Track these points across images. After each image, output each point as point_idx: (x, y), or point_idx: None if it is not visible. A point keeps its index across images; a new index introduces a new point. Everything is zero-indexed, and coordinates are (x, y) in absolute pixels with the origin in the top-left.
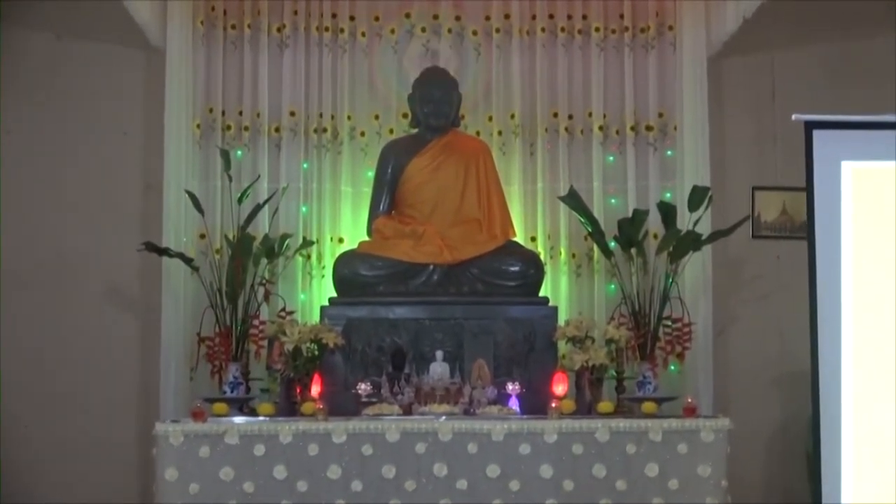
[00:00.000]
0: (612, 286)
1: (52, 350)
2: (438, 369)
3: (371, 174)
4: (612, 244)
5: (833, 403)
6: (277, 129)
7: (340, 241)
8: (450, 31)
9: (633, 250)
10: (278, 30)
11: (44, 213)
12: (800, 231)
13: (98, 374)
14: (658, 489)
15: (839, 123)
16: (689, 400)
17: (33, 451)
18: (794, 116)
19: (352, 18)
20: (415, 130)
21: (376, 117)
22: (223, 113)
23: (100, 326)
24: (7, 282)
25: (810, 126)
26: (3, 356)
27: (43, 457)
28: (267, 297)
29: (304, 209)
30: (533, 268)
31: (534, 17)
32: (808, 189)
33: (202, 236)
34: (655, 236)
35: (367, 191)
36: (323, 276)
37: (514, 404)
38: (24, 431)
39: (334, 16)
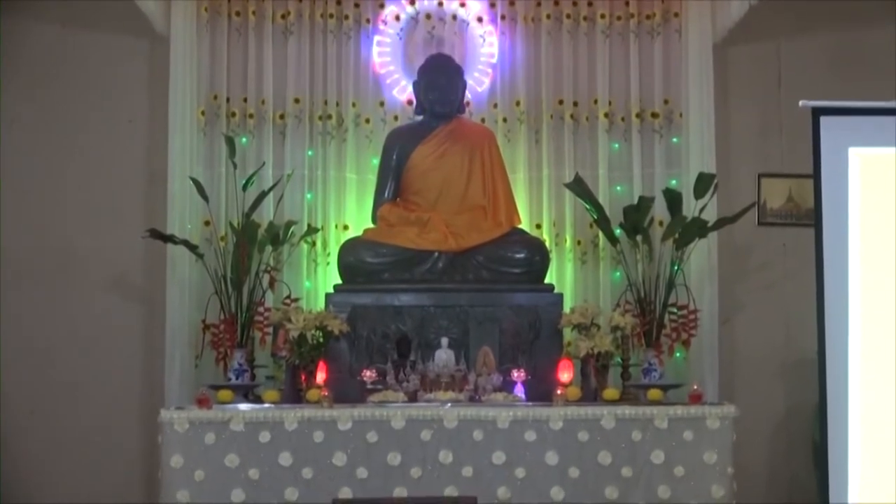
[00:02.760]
0: (618, 273)
1: (56, 338)
2: (444, 356)
3: (376, 161)
4: (618, 231)
5: (840, 391)
6: (282, 117)
7: (345, 228)
8: (454, 17)
9: (638, 237)
10: (283, 17)
11: (48, 201)
12: (806, 218)
13: (103, 362)
14: (664, 476)
15: (846, 110)
16: (695, 387)
17: (38, 439)
18: (801, 103)
19: (356, 5)
20: (420, 118)
21: (381, 104)
22: (228, 100)
23: (104, 314)
24: (11, 271)
25: (817, 112)
26: (7, 345)
27: (48, 444)
28: (272, 284)
29: (308, 196)
30: (538, 255)
31: (539, 4)
32: (815, 176)
33: (207, 223)
34: (661, 223)
35: (372, 178)
36: (328, 264)
37: (519, 391)
38: (28, 419)
39: (339, 2)
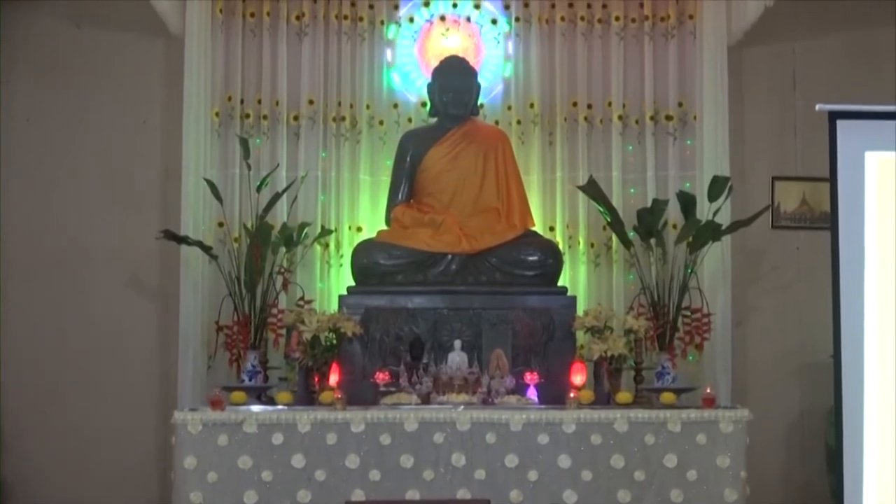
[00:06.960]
0: (631, 276)
1: (70, 338)
2: (457, 359)
3: (390, 163)
4: (632, 234)
5: (856, 395)
6: (296, 118)
7: (359, 230)
8: (469, 19)
9: (652, 240)
10: (297, 18)
11: (63, 200)
12: (820, 221)
13: (116, 362)
14: (677, 480)
15: (863, 114)
16: (708, 391)
17: (51, 439)
18: (817, 107)
19: (371, 7)
20: (434, 119)
21: (395, 106)
22: (242, 101)
23: (118, 314)
24: (25, 269)
25: (834, 116)
26: (20, 344)
27: (61, 444)
28: (285, 285)
29: (322, 198)
30: (551, 257)
31: (553, 6)
32: (832, 179)
33: (220, 224)
34: (675, 226)
35: (386, 180)
36: (341, 265)
37: (532, 394)
38: (42, 418)
39: (353, 4)
